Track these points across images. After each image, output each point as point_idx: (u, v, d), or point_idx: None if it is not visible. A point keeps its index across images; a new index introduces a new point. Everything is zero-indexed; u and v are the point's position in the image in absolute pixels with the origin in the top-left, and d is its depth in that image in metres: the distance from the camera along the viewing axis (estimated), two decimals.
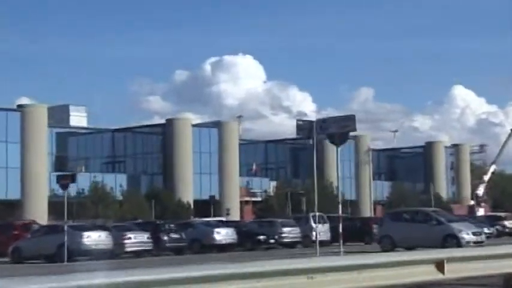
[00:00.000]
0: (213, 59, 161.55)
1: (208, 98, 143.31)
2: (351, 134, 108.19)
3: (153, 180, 73.92)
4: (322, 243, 45.43)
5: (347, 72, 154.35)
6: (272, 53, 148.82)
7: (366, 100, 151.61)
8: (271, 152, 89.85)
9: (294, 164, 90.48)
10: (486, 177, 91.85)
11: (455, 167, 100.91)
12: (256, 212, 75.98)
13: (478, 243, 31.87)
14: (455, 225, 33.99)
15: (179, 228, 40.88)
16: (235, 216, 70.24)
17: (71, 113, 76.25)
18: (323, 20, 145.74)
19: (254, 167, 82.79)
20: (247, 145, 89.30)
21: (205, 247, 40.59)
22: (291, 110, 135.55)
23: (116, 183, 69.36)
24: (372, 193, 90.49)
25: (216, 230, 42.07)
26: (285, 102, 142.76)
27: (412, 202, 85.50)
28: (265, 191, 79.76)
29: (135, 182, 72.93)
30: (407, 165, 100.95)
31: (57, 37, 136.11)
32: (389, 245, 33.86)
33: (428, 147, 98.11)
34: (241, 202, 76.66)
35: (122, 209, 63.56)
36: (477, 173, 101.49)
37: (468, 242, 32.22)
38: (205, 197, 74.00)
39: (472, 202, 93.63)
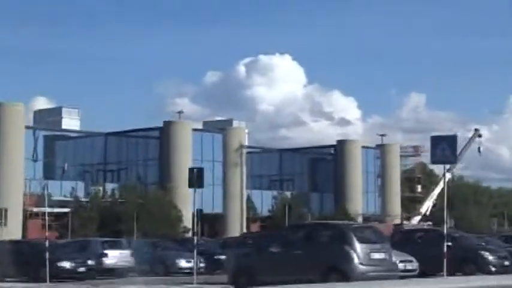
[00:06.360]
0: (247, 60, 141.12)
1: (242, 102, 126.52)
2: (220, 127, 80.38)
3: None
4: None
5: (397, 76, 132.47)
6: (313, 53, 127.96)
7: (416, 107, 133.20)
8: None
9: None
10: (437, 190, 70.82)
11: (380, 174, 78.44)
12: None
13: None
14: None
15: None
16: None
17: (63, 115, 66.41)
18: (370, 17, 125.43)
19: (65, 166, 60.72)
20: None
21: None
22: (332, 116, 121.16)
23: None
24: (257, 206, 69.04)
25: None
26: (327, 108, 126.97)
27: (296, 218, 64.53)
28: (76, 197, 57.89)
29: None
30: (320, 171, 78.99)
31: (78, 35, 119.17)
32: None
33: (341, 148, 75.35)
34: (29, 214, 54.62)
35: None
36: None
37: None
38: None
39: (398, 220, 71.87)
